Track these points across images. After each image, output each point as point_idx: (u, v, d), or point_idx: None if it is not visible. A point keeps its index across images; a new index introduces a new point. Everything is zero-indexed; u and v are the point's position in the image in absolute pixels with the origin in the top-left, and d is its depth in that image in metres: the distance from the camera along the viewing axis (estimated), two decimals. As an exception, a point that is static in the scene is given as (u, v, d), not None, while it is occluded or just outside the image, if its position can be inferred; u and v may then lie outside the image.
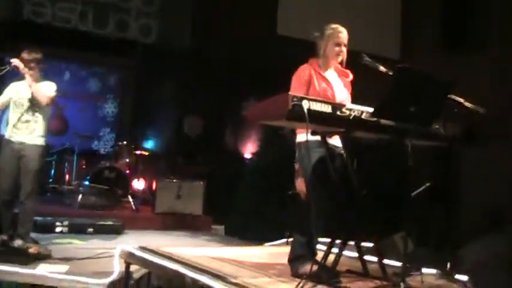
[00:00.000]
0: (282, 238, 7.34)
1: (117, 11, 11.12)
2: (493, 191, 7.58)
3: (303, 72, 4.55)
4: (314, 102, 3.67)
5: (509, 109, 7.91)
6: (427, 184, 5.36)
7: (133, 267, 5.16)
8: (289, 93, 3.75)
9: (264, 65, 10.52)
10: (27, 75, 6.25)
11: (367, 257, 4.51)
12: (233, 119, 11.41)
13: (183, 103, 11.70)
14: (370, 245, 4.55)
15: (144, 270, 5.20)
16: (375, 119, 3.91)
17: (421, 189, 5.09)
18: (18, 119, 6.30)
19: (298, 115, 3.58)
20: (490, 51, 9.13)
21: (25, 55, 6.36)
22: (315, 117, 3.64)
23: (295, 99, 3.59)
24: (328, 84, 4.56)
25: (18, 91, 6.39)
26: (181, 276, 4.25)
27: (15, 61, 6.21)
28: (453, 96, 4.33)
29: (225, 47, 10.88)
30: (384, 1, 11.51)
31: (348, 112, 3.83)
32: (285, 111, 3.58)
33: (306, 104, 3.60)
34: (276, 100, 3.76)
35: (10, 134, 6.30)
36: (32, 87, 6.25)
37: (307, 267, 4.33)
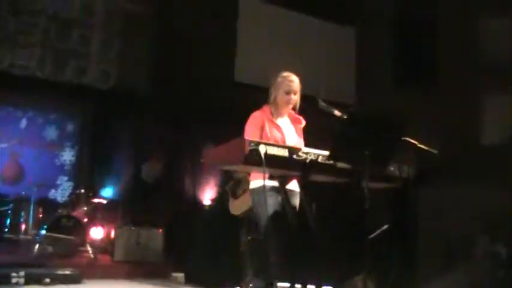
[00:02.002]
0: (240, 283, 7.31)
1: (76, 57, 11.11)
2: (449, 229, 7.68)
3: (255, 118, 4.62)
4: (271, 147, 3.72)
5: (460, 144, 8.08)
6: (385, 226, 5.42)
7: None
8: (246, 138, 3.79)
9: (221, 110, 10.59)
10: None
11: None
12: (192, 164, 11.40)
13: (140, 149, 11.65)
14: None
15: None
16: (331, 162, 3.96)
17: (378, 231, 5.14)
18: None
19: (255, 159, 3.62)
20: (440, 84, 9.38)
21: None
22: (272, 161, 3.69)
23: (252, 144, 3.64)
24: (279, 130, 4.62)
25: None
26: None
27: None
28: (407, 138, 4.41)
29: (183, 92, 10.93)
30: (339, 46, 11.77)
31: (304, 156, 3.88)
32: (242, 156, 3.62)
33: (262, 149, 3.64)
34: (232, 145, 3.81)
35: None
36: None
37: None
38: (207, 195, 11.04)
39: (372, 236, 4.52)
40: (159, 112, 11.14)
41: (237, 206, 7.14)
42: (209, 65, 10.83)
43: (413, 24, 10.49)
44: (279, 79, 4.65)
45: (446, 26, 9.99)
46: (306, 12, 11.84)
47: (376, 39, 11.38)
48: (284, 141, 4.50)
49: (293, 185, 4.48)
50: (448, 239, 7.64)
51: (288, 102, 4.63)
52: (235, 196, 7.28)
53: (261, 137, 4.41)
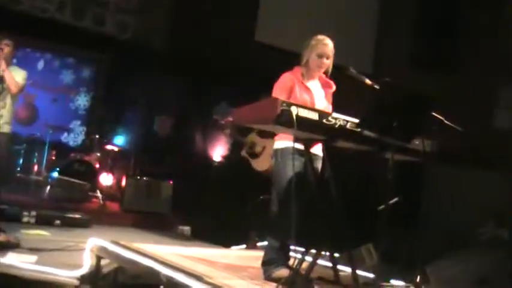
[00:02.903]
0: (247, 241, 7.40)
1: (95, 5, 11.07)
2: (463, 210, 7.72)
3: (285, 80, 4.59)
4: (302, 109, 3.71)
5: (476, 128, 8.07)
6: (397, 198, 5.44)
7: (102, 262, 5.13)
8: (278, 98, 3.79)
9: (239, 70, 10.57)
10: (1, 61, 6.23)
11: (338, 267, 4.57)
12: (204, 121, 11.43)
13: (155, 102, 11.67)
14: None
15: (111, 266, 5.17)
16: (359, 129, 3.96)
17: (391, 202, 5.15)
18: None
19: (286, 120, 3.62)
20: (459, 67, 9.33)
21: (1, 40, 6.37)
22: (302, 124, 3.68)
23: (284, 104, 3.63)
24: (309, 93, 4.61)
25: None
26: (155, 273, 4.24)
27: None
28: (434, 113, 4.41)
29: (201, 49, 10.89)
30: (360, 18, 11.66)
31: (333, 121, 3.87)
32: (273, 116, 3.61)
33: (294, 110, 3.64)
34: (264, 104, 3.80)
35: None
36: (5, 74, 6.22)
37: (280, 272, 4.38)
38: (218, 152, 11.08)
39: (382, 206, 4.53)
40: (175, 66, 11.13)
41: (260, 163, 7.21)
42: (230, 23, 10.75)
43: (436, 7, 10.39)
44: (313, 41, 4.61)
45: (468, 10, 9.90)
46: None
47: (399, 16, 11.29)
48: (313, 104, 4.49)
49: (317, 149, 4.50)
50: (457, 219, 7.69)
51: (320, 66, 4.60)
52: (255, 156, 7.34)
53: (289, 99, 4.40)
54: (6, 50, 6.37)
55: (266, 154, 7.03)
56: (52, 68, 11.76)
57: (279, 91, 4.53)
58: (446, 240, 7.43)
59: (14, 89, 6.32)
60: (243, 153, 7.75)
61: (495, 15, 9.43)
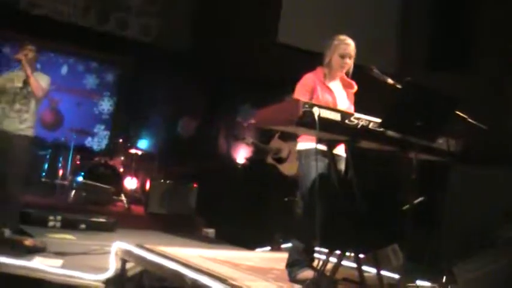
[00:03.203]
0: (271, 244, 7.40)
1: (118, 9, 11.15)
2: (486, 211, 7.64)
3: (307, 80, 4.58)
4: (324, 110, 3.69)
5: (502, 132, 8.00)
6: (421, 198, 5.40)
7: (127, 265, 5.16)
8: (300, 99, 3.77)
9: (262, 72, 10.56)
10: (26, 66, 6.29)
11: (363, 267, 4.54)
12: (227, 123, 11.44)
13: (178, 104, 11.71)
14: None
15: (136, 269, 5.19)
16: (382, 129, 3.93)
17: (415, 202, 5.11)
18: (10, 108, 6.33)
19: (308, 122, 3.60)
20: (473, 67, 9.25)
21: (25, 46, 6.44)
22: (325, 125, 3.66)
23: (306, 105, 3.61)
24: (331, 94, 4.60)
25: (11, 80, 6.44)
26: (180, 276, 4.25)
27: (22, 52, 6.29)
28: (458, 112, 4.37)
29: (224, 51, 10.91)
30: (383, 19, 11.61)
31: (356, 121, 3.85)
32: (295, 117, 3.59)
33: (316, 111, 3.62)
34: (286, 105, 3.80)
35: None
36: (30, 79, 6.29)
37: (304, 273, 4.38)
38: (242, 154, 11.09)
39: (407, 207, 4.50)
40: (198, 69, 11.16)
41: (289, 168, 7.22)
42: (252, 24, 10.75)
43: (451, 7, 10.32)
44: (335, 42, 4.59)
45: (482, 10, 9.80)
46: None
47: (420, 16, 11.22)
48: (335, 105, 4.47)
49: (340, 150, 4.48)
50: (483, 219, 7.61)
51: (342, 66, 4.59)
52: (282, 161, 7.35)
53: (311, 100, 4.39)
54: (30, 55, 6.44)
55: (293, 158, 7.03)
56: (76, 73, 11.86)
57: (300, 92, 4.52)
58: (473, 241, 7.35)
59: (39, 93, 6.38)
60: (269, 159, 7.76)
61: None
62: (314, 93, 4.50)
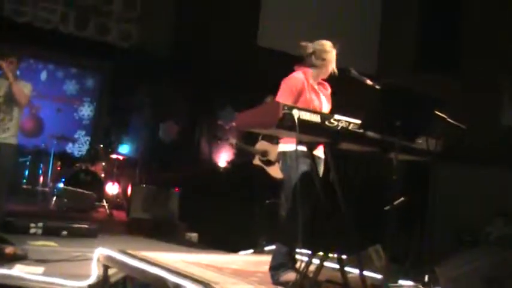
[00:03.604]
0: (254, 246, 7.39)
1: (98, 14, 11.10)
2: (467, 210, 7.70)
3: (297, 81, 4.56)
4: (304, 112, 3.70)
5: (480, 127, 8.05)
6: (402, 198, 5.42)
7: (110, 271, 5.13)
8: (279, 101, 3.78)
9: (242, 74, 10.58)
10: (10, 75, 6.25)
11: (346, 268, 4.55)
12: (208, 126, 11.43)
13: (159, 109, 11.68)
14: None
15: (119, 275, 5.16)
16: (362, 130, 3.95)
17: (396, 202, 5.12)
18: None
19: (288, 124, 3.61)
20: (462, 73, 9.32)
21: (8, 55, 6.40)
22: (304, 127, 3.67)
23: (285, 108, 3.62)
24: (317, 95, 4.62)
25: None
26: (163, 280, 4.23)
27: (1, 63, 6.24)
28: (437, 112, 4.39)
29: (204, 55, 10.90)
30: (364, 20, 11.67)
31: (335, 123, 3.86)
32: (275, 120, 3.60)
33: (296, 113, 3.63)
34: (266, 108, 3.80)
35: None
36: (14, 87, 6.25)
37: (288, 276, 4.38)
38: (223, 157, 11.08)
39: (388, 207, 4.51)
40: (178, 74, 11.15)
41: (277, 170, 7.21)
42: (231, 29, 10.76)
43: (438, 7, 10.40)
44: (331, 50, 4.64)
45: (469, 10, 9.90)
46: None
47: (401, 17, 11.29)
48: (320, 107, 4.51)
49: (319, 152, 4.49)
50: (464, 218, 7.67)
51: (330, 72, 4.66)
52: (270, 163, 7.34)
53: (298, 100, 4.40)
54: (13, 63, 6.40)
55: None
56: (55, 79, 11.79)
57: (288, 91, 4.48)
58: (454, 240, 7.41)
59: (23, 101, 6.36)
60: (256, 161, 7.73)
61: (496, 15, 9.44)
62: (302, 94, 4.50)
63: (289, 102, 4.18)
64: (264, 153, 7.56)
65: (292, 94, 4.45)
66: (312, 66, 4.65)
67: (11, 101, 6.35)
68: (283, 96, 4.42)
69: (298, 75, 4.59)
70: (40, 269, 5.25)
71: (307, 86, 4.56)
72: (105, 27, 11.21)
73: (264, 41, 10.69)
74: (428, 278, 4.81)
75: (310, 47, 4.67)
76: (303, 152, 4.24)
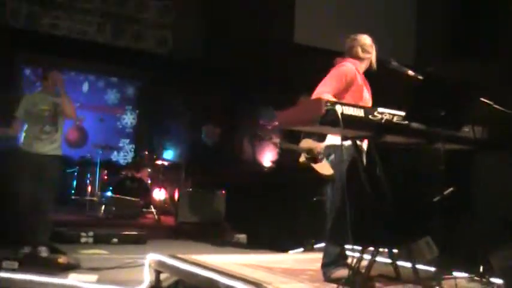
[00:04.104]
0: (303, 245, 7.36)
1: (133, 23, 11.21)
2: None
3: (349, 70, 4.52)
4: (347, 107, 3.67)
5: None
6: (451, 188, 5.33)
7: (161, 276, 5.17)
8: (322, 98, 3.76)
9: (281, 73, 10.57)
10: (62, 90, 6.41)
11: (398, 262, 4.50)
12: (250, 127, 11.44)
13: (200, 112, 11.74)
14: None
15: (171, 280, 5.19)
16: (406, 122, 3.90)
17: (446, 192, 5.04)
18: (40, 131, 6.40)
19: (331, 120, 3.57)
20: (500, 60, 9.14)
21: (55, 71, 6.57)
22: (348, 122, 3.63)
23: (328, 103, 3.59)
24: (366, 85, 4.62)
25: (35, 103, 6.51)
26: (215, 283, 4.25)
27: (57, 75, 6.40)
28: (482, 99, 4.32)
29: (240, 55, 10.91)
30: (398, 9, 11.56)
31: (379, 116, 3.82)
32: (318, 116, 3.57)
33: (339, 109, 3.60)
34: (308, 105, 3.78)
35: (30, 145, 6.40)
36: (65, 102, 6.40)
37: (339, 272, 4.35)
38: (267, 157, 11.07)
39: (437, 198, 4.45)
40: (217, 76, 11.18)
41: (326, 167, 7.16)
42: (267, 27, 10.75)
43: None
44: (372, 44, 4.67)
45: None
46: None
47: (437, 5, 11.14)
48: (371, 99, 4.54)
49: (363, 144, 4.46)
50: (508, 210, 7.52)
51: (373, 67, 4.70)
52: (317, 161, 7.29)
53: (346, 91, 4.37)
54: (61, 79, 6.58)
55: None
56: (97, 89, 11.95)
57: (337, 77, 4.42)
58: (505, 229, 7.25)
59: (73, 114, 6.56)
60: (302, 159, 7.68)
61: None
62: (353, 84, 4.46)
63: (334, 88, 4.17)
64: (310, 151, 7.51)
65: (341, 82, 4.39)
66: (358, 58, 4.63)
67: (56, 114, 6.47)
68: (331, 82, 4.37)
69: (351, 67, 4.55)
70: (94, 277, 5.31)
71: (359, 76, 4.54)
72: (141, 35, 11.32)
73: (301, 38, 10.64)
74: (483, 268, 4.73)
75: (357, 39, 4.65)
76: (347, 146, 4.21)
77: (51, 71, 6.56)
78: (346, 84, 4.41)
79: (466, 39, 10.16)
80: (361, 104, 4.17)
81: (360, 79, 4.56)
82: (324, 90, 4.25)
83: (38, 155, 6.37)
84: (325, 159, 6.74)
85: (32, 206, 6.28)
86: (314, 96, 4.24)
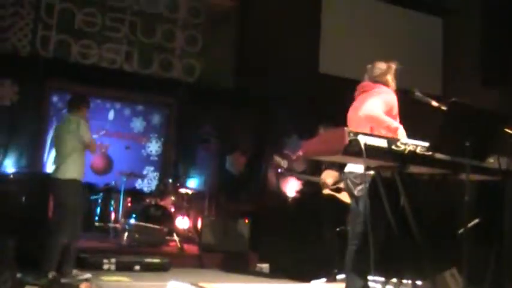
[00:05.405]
0: (326, 275, 7.30)
1: (161, 51, 11.34)
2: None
3: (394, 98, 4.62)
4: (370, 137, 3.67)
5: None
6: (477, 220, 5.28)
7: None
8: (345, 128, 3.76)
9: (305, 102, 10.62)
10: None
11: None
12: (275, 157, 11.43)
13: (225, 141, 11.77)
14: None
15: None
16: (430, 153, 3.88)
17: (470, 224, 4.99)
18: (66, 155, 6.52)
19: (354, 150, 3.58)
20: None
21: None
22: (371, 152, 3.64)
23: (351, 134, 3.60)
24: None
25: (66, 129, 6.66)
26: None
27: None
28: (507, 130, 4.29)
29: (267, 84, 10.96)
30: (425, 39, 11.57)
31: (403, 146, 3.81)
32: (341, 147, 3.58)
33: (362, 139, 3.60)
34: (332, 135, 3.78)
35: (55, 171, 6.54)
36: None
37: (362, 303, 4.31)
38: (292, 187, 11.03)
39: (463, 230, 4.40)
40: (243, 104, 11.23)
41: None
42: (293, 57, 10.81)
43: (502, 21, 10.17)
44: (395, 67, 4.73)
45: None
46: (391, 2, 11.76)
47: (463, 34, 11.12)
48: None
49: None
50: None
51: None
52: (341, 191, 7.28)
53: (389, 115, 4.44)
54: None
55: None
56: (123, 117, 12.02)
57: (385, 100, 4.50)
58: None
59: (94, 150, 7.01)
60: (326, 191, 7.69)
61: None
62: (393, 109, 4.52)
63: (381, 111, 4.20)
64: (334, 183, 7.52)
65: (387, 105, 4.45)
66: (388, 85, 4.65)
67: (79, 139, 6.60)
68: (380, 103, 4.45)
69: (389, 90, 4.62)
70: (115, 305, 5.33)
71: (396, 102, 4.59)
72: (168, 63, 11.42)
73: (326, 68, 10.69)
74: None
75: (388, 66, 4.68)
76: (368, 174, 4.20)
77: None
78: (389, 109, 4.46)
79: (494, 68, 10.10)
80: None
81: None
82: (380, 113, 4.32)
83: (60, 180, 6.51)
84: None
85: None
86: (368, 112, 4.28)
